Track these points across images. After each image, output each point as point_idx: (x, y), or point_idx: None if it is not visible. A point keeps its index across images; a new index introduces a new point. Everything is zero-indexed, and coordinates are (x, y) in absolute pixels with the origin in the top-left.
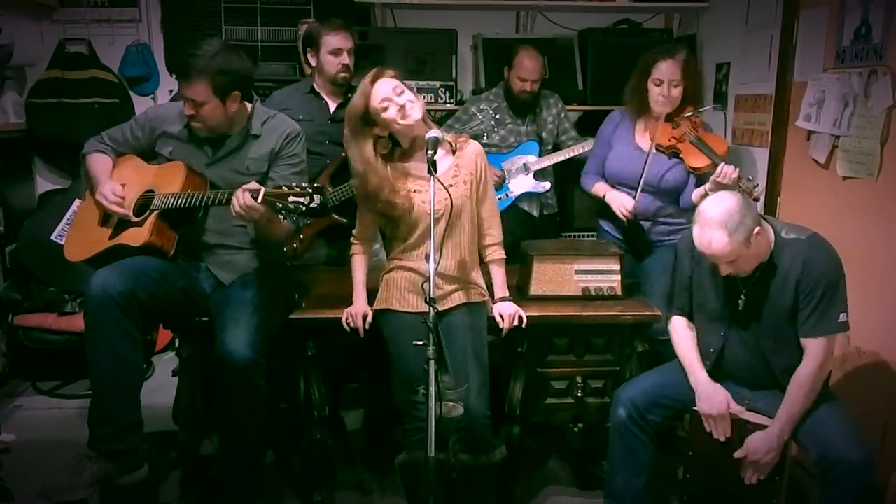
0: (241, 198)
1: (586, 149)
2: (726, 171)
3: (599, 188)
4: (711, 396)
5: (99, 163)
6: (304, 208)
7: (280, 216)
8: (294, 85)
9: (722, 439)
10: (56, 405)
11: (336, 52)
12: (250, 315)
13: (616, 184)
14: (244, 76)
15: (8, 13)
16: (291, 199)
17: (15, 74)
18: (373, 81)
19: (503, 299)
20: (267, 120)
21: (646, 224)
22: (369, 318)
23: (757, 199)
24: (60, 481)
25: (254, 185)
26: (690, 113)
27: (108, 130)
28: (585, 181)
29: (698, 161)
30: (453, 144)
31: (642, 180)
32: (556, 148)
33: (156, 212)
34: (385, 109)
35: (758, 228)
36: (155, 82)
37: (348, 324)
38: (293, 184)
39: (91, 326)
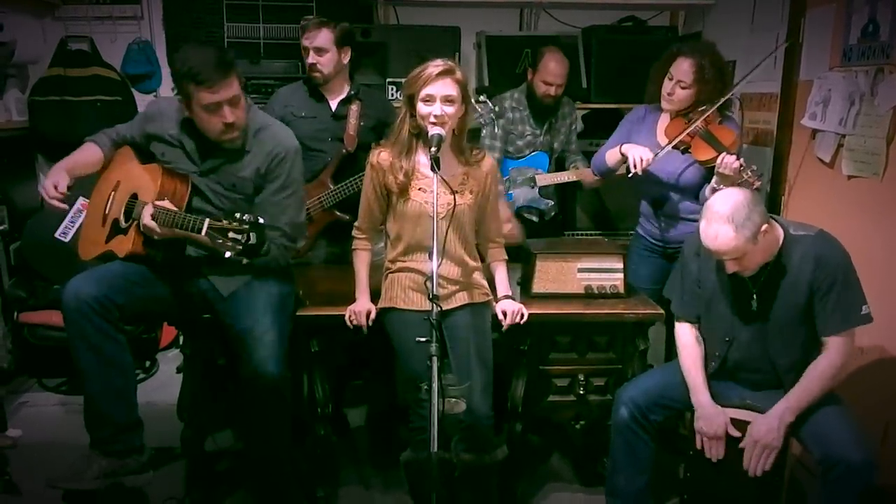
0: (145, 218)
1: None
2: (727, 161)
3: (613, 153)
4: (711, 419)
5: (79, 151)
6: (240, 247)
7: (222, 253)
8: (298, 82)
9: (713, 460)
10: (61, 401)
11: (304, 52)
12: (269, 330)
13: (638, 182)
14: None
15: (9, 10)
16: (231, 234)
17: (17, 72)
18: (441, 73)
19: (506, 297)
20: (259, 131)
21: (673, 225)
22: (373, 315)
23: (758, 190)
24: (68, 472)
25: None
26: (704, 107)
27: (121, 125)
28: (597, 159)
29: (705, 154)
30: (466, 156)
31: (662, 151)
32: (561, 158)
33: (136, 222)
34: (425, 102)
35: (766, 226)
36: (157, 80)
37: (351, 321)
38: (238, 216)
39: (71, 333)
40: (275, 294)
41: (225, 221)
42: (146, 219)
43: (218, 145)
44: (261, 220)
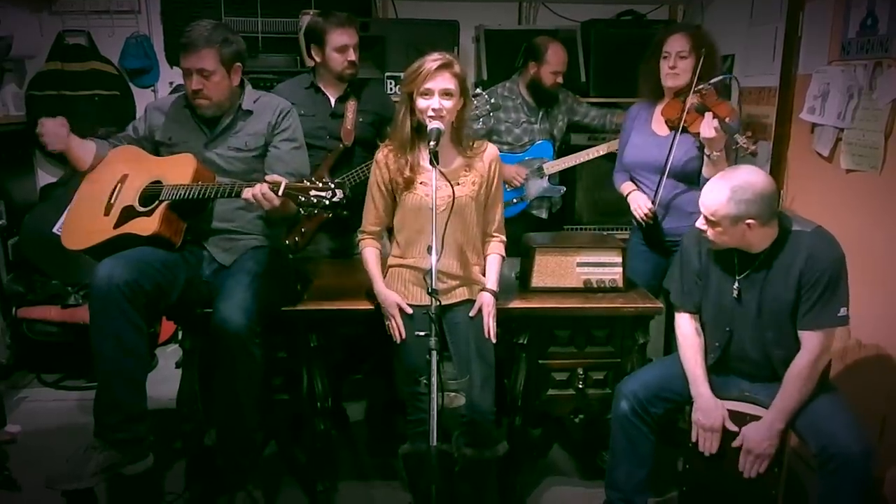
0: (259, 190)
1: (601, 152)
2: (706, 119)
3: (625, 188)
4: (710, 410)
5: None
6: (326, 202)
7: (301, 210)
8: (295, 79)
9: (706, 454)
10: (60, 397)
11: (342, 50)
12: (245, 286)
13: (635, 173)
14: (242, 49)
15: (6, 4)
16: (313, 193)
17: (14, 67)
18: (439, 67)
19: (483, 289)
20: (259, 98)
21: (661, 214)
22: (405, 308)
23: (754, 155)
24: (66, 470)
25: (275, 177)
26: (701, 86)
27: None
28: (615, 179)
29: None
30: (469, 147)
31: (668, 165)
32: (566, 146)
33: (165, 202)
34: (424, 97)
35: (752, 222)
36: (155, 74)
37: (393, 330)
38: (314, 179)
39: (96, 316)
40: (263, 266)
41: (307, 182)
42: (264, 190)
43: (217, 116)
44: (338, 180)
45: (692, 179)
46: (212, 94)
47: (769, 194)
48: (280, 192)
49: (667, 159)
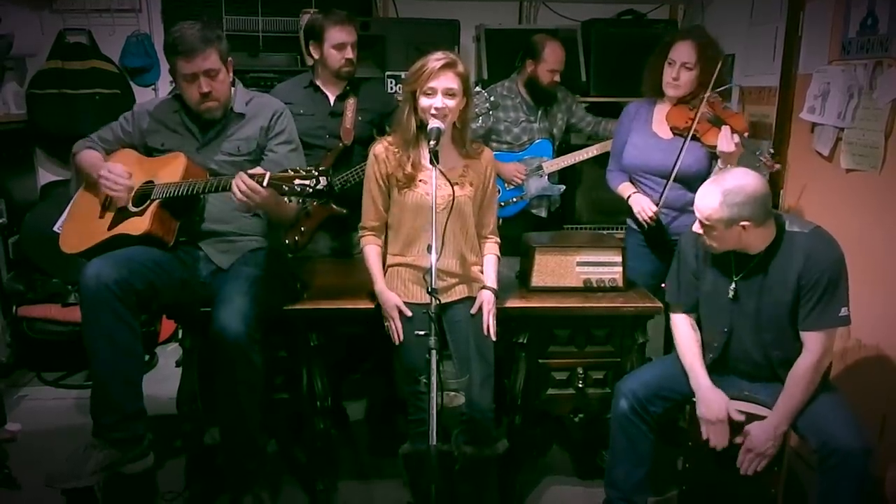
0: (243, 182)
1: (600, 151)
2: (725, 134)
3: (624, 189)
4: (711, 401)
5: (90, 156)
6: (310, 190)
7: (286, 199)
8: (294, 79)
9: (718, 448)
10: (61, 395)
11: (340, 47)
12: (244, 293)
13: (635, 175)
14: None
15: (7, 3)
16: (297, 181)
17: (15, 65)
18: (442, 67)
19: (483, 287)
20: (251, 100)
21: (671, 215)
22: (405, 310)
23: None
24: (66, 469)
25: (258, 169)
26: (707, 94)
27: (97, 131)
28: (610, 179)
29: (716, 138)
30: (467, 149)
31: (675, 170)
32: (566, 146)
33: (157, 201)
34: (427, 96)
35: (747, 224)
36: (156, 73)
37: (390, 328)
38: (298, 167)
39: (87, 316)
40: (262, 269)
41: (290, 171)
42: (247, 182)
43: (214, 119)
44: (322, 167)
45: (696, 184)
46: (219, 94)
47: (761, 195)
48: (265, 183)
49: (674, 165)
